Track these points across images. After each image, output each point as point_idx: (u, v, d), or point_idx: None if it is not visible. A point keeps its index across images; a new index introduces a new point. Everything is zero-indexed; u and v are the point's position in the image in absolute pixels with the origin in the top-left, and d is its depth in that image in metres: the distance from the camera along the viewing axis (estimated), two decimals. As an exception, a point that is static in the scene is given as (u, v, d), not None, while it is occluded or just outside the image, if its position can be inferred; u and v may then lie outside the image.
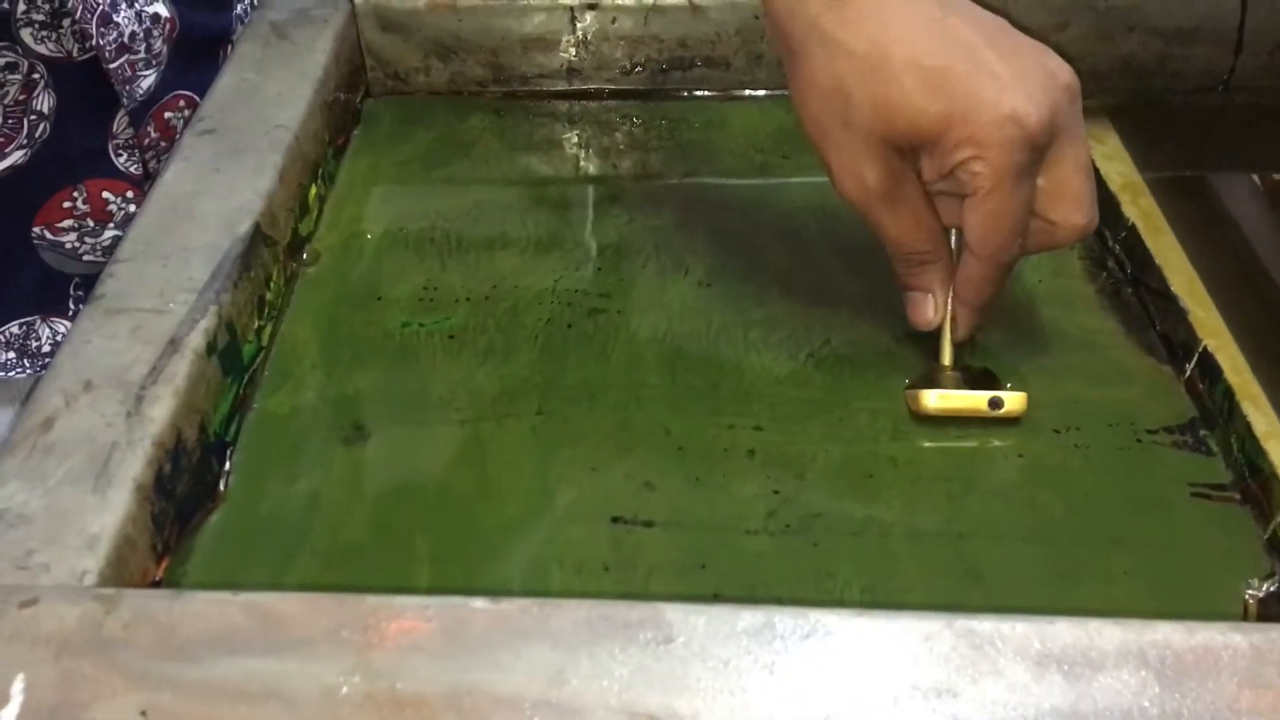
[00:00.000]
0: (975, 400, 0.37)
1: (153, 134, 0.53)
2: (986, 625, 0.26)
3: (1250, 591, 0.32)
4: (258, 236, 0.40)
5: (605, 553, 0.34)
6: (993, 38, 0.35)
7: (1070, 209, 0.36)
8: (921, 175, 0.36)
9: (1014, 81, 0.34)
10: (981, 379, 0.39)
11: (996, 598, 0.32)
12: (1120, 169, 0.50)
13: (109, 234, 0.51)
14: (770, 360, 0.41)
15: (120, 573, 0.29)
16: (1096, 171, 0.47)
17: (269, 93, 0.47)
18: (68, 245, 0.51)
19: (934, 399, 0.37)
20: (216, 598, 0.26)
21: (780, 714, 0.24)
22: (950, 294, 0.38)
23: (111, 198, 0.51)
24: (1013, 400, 0.37)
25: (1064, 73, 0.35)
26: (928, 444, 0.37)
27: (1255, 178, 0.51)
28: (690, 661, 0.25)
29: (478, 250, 0.46)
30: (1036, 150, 0.34)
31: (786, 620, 0.26)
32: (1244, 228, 0.49)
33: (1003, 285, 0.38)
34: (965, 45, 0.34)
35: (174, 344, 0.35)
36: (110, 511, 0.30)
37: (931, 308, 0.39)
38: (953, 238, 0.38)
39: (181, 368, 0.34)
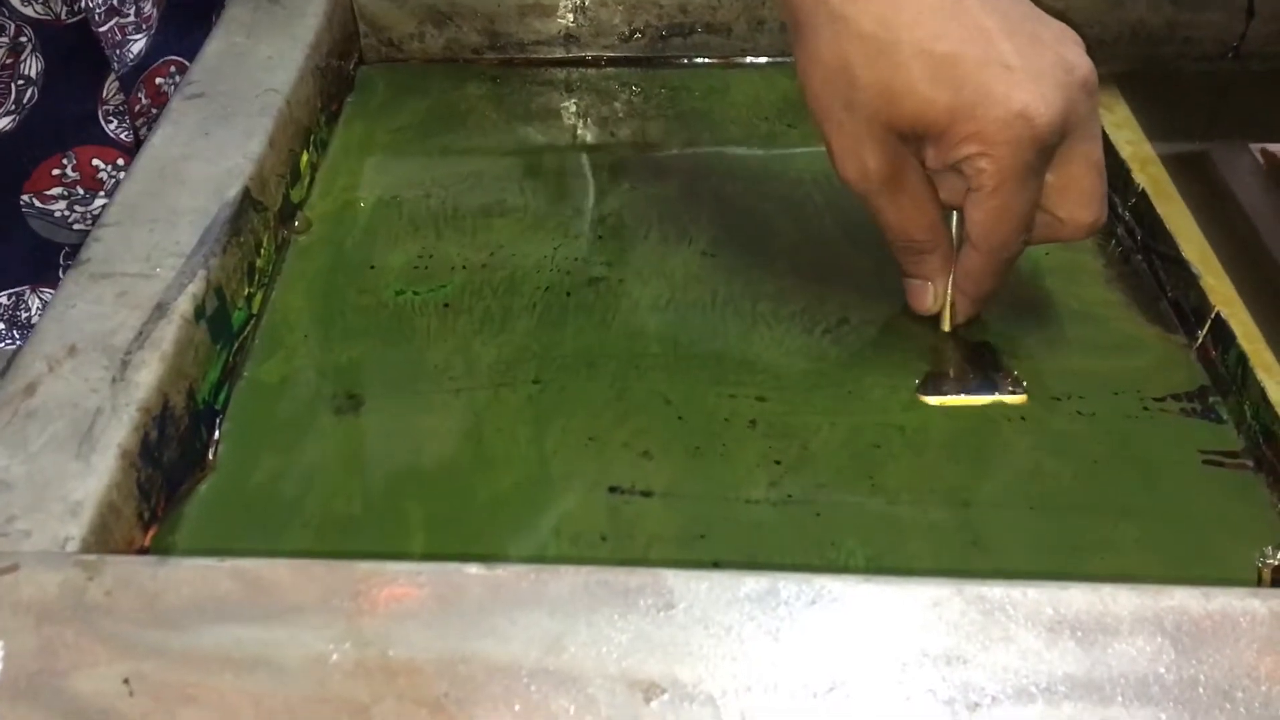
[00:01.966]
0: (976, 404, 0.37)
1: (144, 100, 0.52)
2: (997, 591, 0.25)
3: (1265, 559, 0.31)
4: (247, 201, 0.39)
5: (602, 522, 0.33)
6: (1010, 24, 0.33)
7: (1078, 207, 0.35)
8: (925, 161, 0.35)
9: (1027, 76, 0.32)
10: (981, 359, 0.38)
11: (1004, 567, 0.31)
12: (1129, 137, 0.49)
13: (99, 202, 0.50)
14: (782, 333, 0.40)
15: (105, 540, 0.29)
16: (1106, 139, 0.47)
17: (259, 57, 0.46)
18: (57, 214, 0.50)
19: (933, 404, 0.37)
20: (203, 564, 0.26)
21: (785, 681, 0.24)
22: (950, 282, 0.38)
23: (102, 165, 0.50)
24: (1013, 402, 0.37)
25: (1082, 66, 0.33)
26: (936, 412, 0.37)
27: (1258, 155, 0.50)
28: (692, 628, 0.24)
29: (474, 218, 0.45)
30: (1045, 149, 0.33)
31: (791, 586, 0.25)
32: (1250, 204, 0.48)
33: (1004, 278, 0.37)
34: (979, 31, 0.33)
35: (161, 309, 0.34)
36: (94, 478, 0.29)
37: (930, 296, 0.38)
38: (954, 221, 0.37)
39: (169, 333, 0.33)
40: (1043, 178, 0.34)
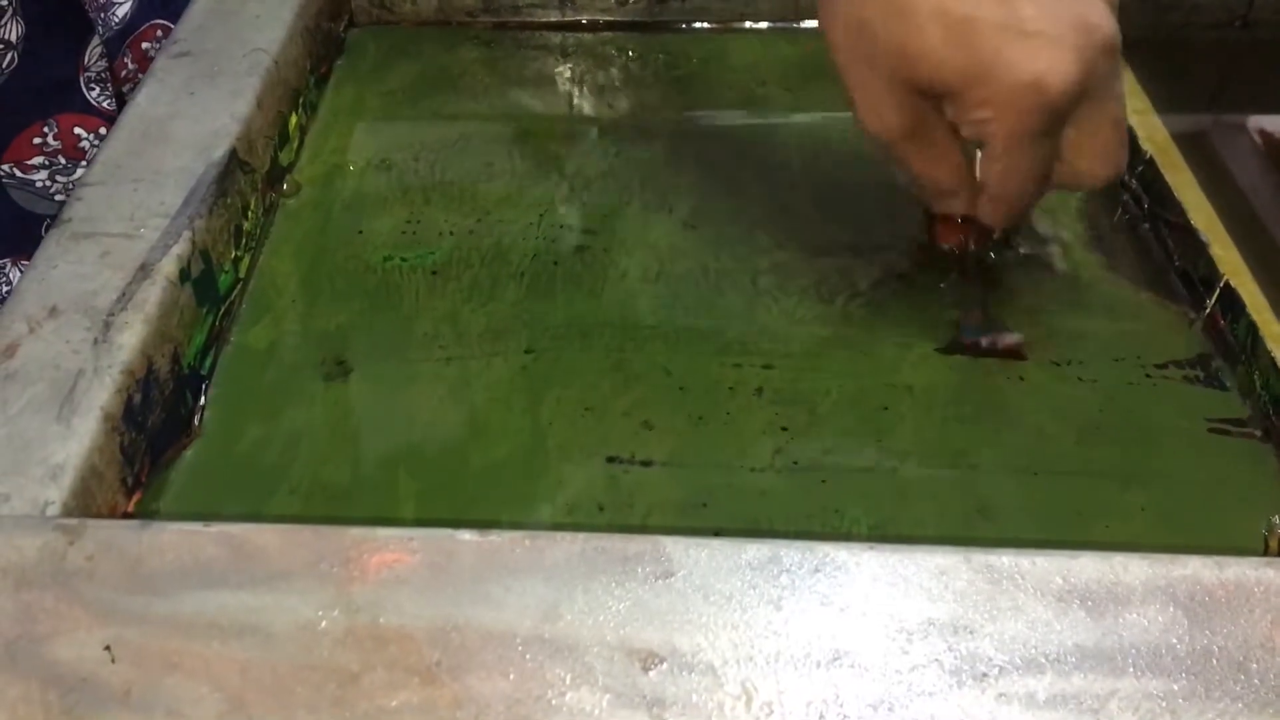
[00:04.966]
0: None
1: (130, 65, 0.50)
2: (1005, 560, 0.24)
3: (1273, 527, 0.31)
4: (234, 162, 0.38)
5: (600, 493, 0.32)
6: None
7: (1096, 161, 0.36)
8: (945, 113, 0.35)
9: (1044, 42, 0.32)
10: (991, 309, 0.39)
11: (1009, 534, 0.31)
12: (1136, 106, 0.48)
13: (82, 172, 0.49)
14: (792, 305, 0.39)
15: (87, 505, 0.28)
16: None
17: (247, 15, 0.45)
18: (38, 184, 0.49)
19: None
20: (187, 528, 0.25)
21: (786, 650, 0.23)
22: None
23: (84, 134, 0.49)
24: (1015, 364, 0.37)
25: (1104, 26, 0.33)
26: (944, 369, 0.36)
27: (1256, 136, 0.49)
28: (691, 596, 0.24)
29: (462, 184, 0.44)
30: (1058, 115, 0.33)
31: (793, 554, 0.24)
32: (1248, 183, 0.47)
33: (1025, 216, 0.38)
34: None
35: (145, 269, 0.33)
36: (75, 441, 0.28)
37: (956, 234, 0.39)
38: (978, 159, 0.37)
39: (153, 294, 0.32)
40: (1056, 138, 0.34)
